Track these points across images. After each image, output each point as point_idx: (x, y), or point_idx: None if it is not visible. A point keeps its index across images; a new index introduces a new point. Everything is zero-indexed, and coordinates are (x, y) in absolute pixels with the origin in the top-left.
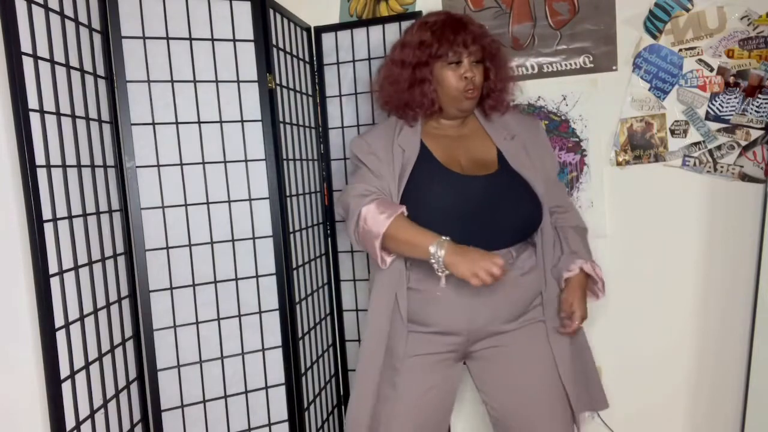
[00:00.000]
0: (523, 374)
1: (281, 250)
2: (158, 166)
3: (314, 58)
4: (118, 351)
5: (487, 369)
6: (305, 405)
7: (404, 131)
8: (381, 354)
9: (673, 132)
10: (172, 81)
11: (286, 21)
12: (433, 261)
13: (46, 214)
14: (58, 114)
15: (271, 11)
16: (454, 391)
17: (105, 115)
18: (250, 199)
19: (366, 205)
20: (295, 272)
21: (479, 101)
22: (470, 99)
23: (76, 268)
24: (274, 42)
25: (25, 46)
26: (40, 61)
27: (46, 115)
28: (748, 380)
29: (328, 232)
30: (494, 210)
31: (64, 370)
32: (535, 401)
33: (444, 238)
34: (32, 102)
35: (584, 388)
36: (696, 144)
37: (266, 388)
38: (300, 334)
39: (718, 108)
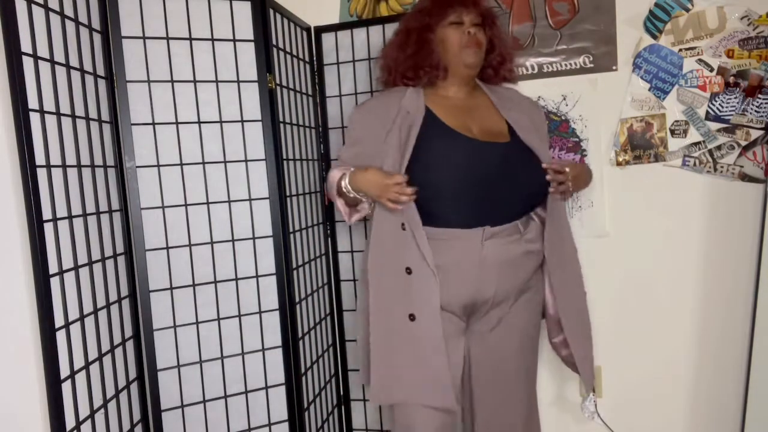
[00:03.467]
0: (510, 342)
1: (281, 250)
2: (158, 166)
3: (314, 58)
4: (118, 351)
5: (481, 341)
6: (305, 405)
7: (409, 94)
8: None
9: (673, 132)
10: (172, 81)
11: (286, 21)
12: (346, 192)
13: (46, 214)
14: (58, 114)
15: (271, 11)
16: (461, 364)
17: (105, 115)
18: (250, 199)
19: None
20: (295, 272)
21: (487, 72)
22: (474, 52)
23: (76, 268)
24: (274, 42)
25: (25, 46)
26: (40, 61)
27: (46, 115)
28: (748, 380)
29: (328, 232)
30: (511, 179)
31: (64, 370)
32: (512, 362)
33: (350, 169)
34: (32, 102)
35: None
36: (696, 144)
37: (266, 388)
38: (300, 334)
39: (718, 108)
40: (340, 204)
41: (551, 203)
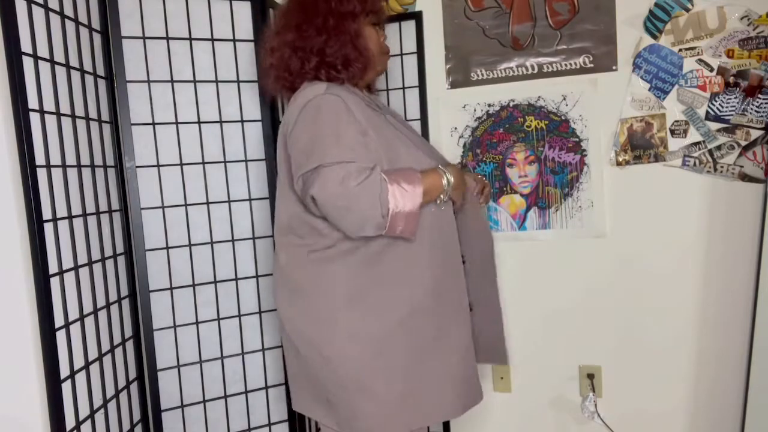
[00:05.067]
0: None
1: None
2: (158, 166)
3: None
4: (118, 351)
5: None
6: None
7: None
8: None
9: (673, 132)
10: (172, 81)
11: None
12: (443, 195)
13: (46, 214)
14: (58, 114)
15: (271, 11)
16: None
17: (105, 115)
18: (250, 199)
19: (384, 186)
20: None
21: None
22: (386, 61)
23: (76, 268)
24: None
25: (25, 46)
26: (40, 61)
27: (46, 115)
28: (748, 380)
29: None
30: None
31: (64, 370)
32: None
33: (440, 167)
34: (32, 102)
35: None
36: (696, 144)
37: (266, 388)
38: None
39: (718, 108)
40: (416, 223)
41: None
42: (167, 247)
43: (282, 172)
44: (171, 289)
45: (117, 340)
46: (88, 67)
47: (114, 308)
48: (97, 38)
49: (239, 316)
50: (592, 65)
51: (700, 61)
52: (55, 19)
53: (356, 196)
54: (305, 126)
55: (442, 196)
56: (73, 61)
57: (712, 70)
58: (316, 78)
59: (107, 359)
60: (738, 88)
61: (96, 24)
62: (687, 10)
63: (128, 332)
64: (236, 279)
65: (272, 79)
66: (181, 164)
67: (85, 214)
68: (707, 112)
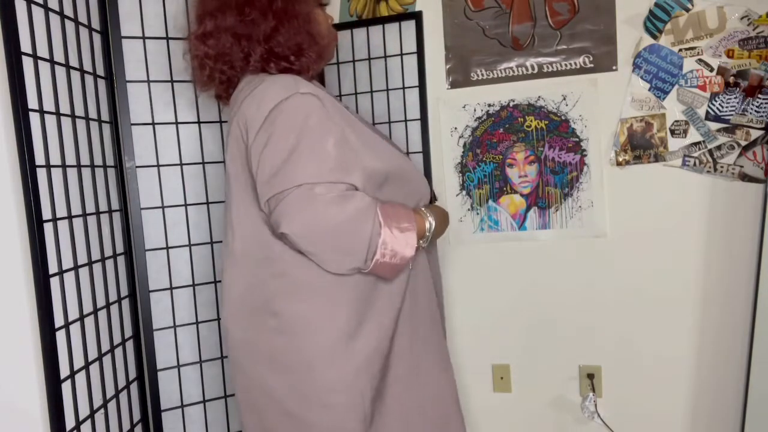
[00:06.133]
0: None
1: None
2: (158, 166)
3: None
4: (118, 351)
5: None
6: None
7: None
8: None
9: (673, 132)
10: (172, 81)
11: None
12: (422, 241)
13: (46, 214)
14: (58, 114)
15: None
16: None
17: (105, 115)
18: None
19: (376, 228)
20: None
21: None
22: (335, 48)
23: (76, 268)
24: None
25: (25, 46)
26: (40, 61)
27: (46, 115)
28: (748, 380)
29: None
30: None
31: (64, 370)
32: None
33: (421, 209)
34: (32, 102)
35: None
36: (696, 144)
37: None
38: None
39: (718, 108)
40: (408, 266)
41: None
42: (167, 247)
43: (239, 184)
44: (171, 289)
45: (117, 340)
46: (88, 67)
47: (114, 308)
48: (97, 38)
49: None
50: (592, 65)
51: (700, 61)
52: (54, 19)
53: (341, 232)
54: (273, 134)
55: (421, 242)
56: (73, 61)
57: (712, 70)
58: (264, 70)
59: (107, 359)
60: (738, 88)
61: (96, 24)
62: (687, 10)
63: (128, 332)
64: None
65: (205, 74)
66: (181, 164)
67: (85, 214)
68: (707, 112)
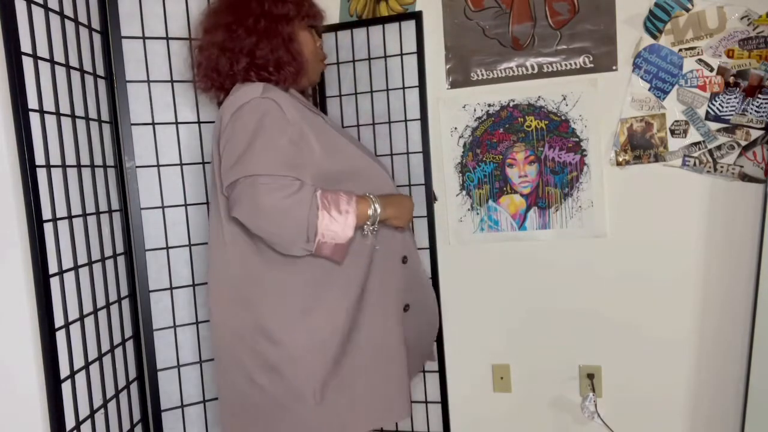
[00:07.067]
0: None
1: None
2: (158, 166)
3: None
4: (118, 351)
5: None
6: None
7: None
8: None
9: (673, 132)
10: (172, 81)
11: None
12: (369, 222)
13: (46, 214)
14: (58, 114)
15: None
16: None
17: (105, 115)
18: None
19: (314, 210)
20: None
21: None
22: (322, 69)
23: (76, 268)
24: None
25: (25, 46)
26: (40, 61)
27: (46, 115)
28: (748, 380)
29: None
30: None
31: (64, 370)
32: None
33: (369, 195)
34: (32, 102)
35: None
36: (696, 144)
37: None
38: None
39: (718, 108)
40: (346, 248)
41: None
42: (167, 247)
43: (217, 176)
44: (171, 289)
45: (117, 340)
46: (87, 67)
47: (114, 308)
48: (97, 38)
49: None
50: (592, 65)
51: (700, 61)
52: (54, 19)
53: (281, 216)
54: (234, 131)
55: (368, 225)
56: (73, 61)
57: (712, 70)
58: (247, 79)
59: (107, 359)
60: (738, 88)
61: (96, 24)
62: (687, 10)
63: (128, 332)
64: None
65: (200, 78)
66: (181, 164)
67: (85, 214)
68: (707, 112)
